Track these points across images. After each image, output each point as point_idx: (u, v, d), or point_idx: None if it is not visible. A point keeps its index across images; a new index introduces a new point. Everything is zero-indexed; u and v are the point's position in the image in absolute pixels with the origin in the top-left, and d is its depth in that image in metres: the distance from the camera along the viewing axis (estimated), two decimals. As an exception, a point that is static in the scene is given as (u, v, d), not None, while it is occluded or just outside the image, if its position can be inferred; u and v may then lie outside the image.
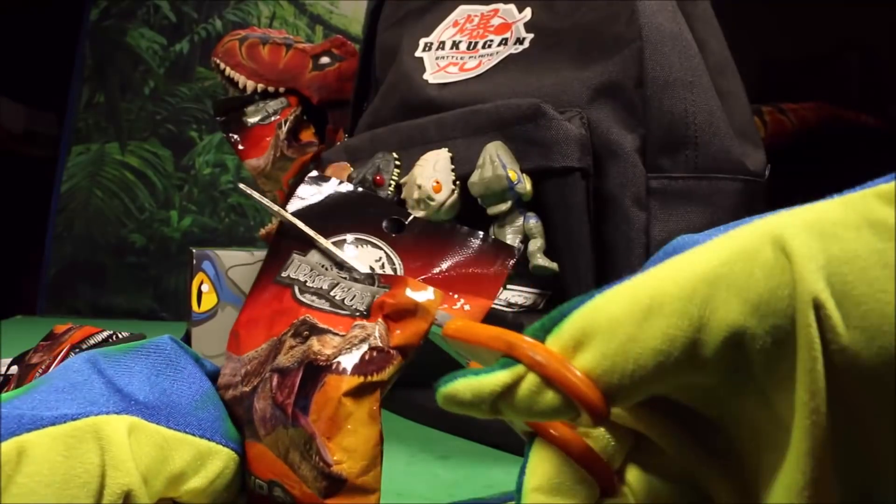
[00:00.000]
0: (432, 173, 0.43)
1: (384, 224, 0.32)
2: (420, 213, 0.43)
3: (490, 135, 0.42)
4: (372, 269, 0.31)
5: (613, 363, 0.17)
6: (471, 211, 0.42)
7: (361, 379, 0.26)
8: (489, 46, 0.48)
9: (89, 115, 1.19)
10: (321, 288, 0.29)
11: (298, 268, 0.30)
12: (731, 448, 0.19)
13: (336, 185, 0.34)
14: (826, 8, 0.69)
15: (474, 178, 0.41)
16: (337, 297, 0.29)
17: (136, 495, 0.24)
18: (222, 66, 0.67)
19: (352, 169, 0.49)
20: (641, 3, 0.42)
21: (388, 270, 0.31)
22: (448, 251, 0.31)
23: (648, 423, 0.20)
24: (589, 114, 0.41)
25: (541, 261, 0.39)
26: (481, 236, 0.31)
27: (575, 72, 0.43)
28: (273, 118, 0.66)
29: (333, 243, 0.31)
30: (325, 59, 0.68)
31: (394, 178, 0.46)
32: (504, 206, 0.40)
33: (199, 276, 0.54)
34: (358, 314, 0.28)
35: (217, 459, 0.27)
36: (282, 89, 0.67)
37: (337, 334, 0.27)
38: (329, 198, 0.33)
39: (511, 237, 0.40)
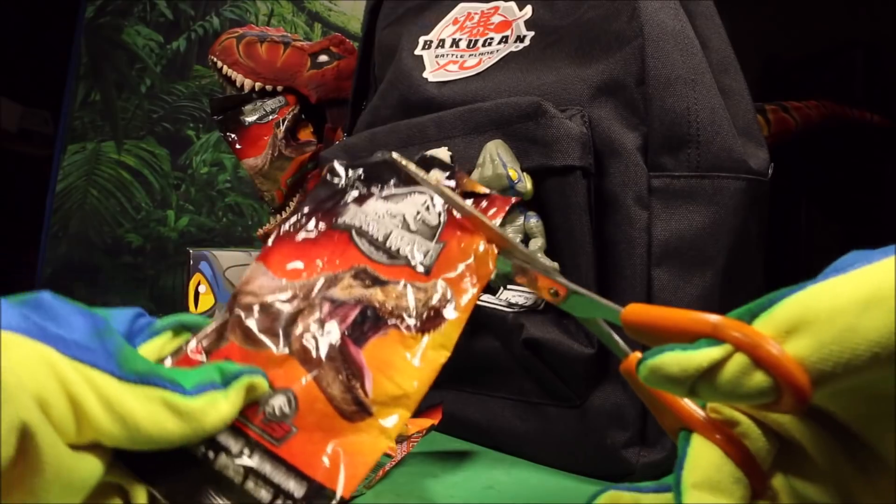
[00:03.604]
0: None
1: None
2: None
3: (490, 133, 0.42)
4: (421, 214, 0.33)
5: (830, 352, 0.18)
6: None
7: (422, 336, 0.28)
8: (489, 44, 0.48)
9: (85, 113, 1.19)
10: (377, 238, 0.32)
11: (355, 216, 0.33)
12: (884, 467, 0.19)
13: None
14: (830, 5, 0.69)
15: (474, 176, 0.40)
16: (392, 248, 0.31)
17: (36, 433, 0.20)
18: (220, 64, 0.67)
19: (350, 168, 0.49)
20: (643, 1, 0.41)
21: (434, 212, 0.33)
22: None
23: (805, 430, 0.20)
24: (590, 112, 0.41)
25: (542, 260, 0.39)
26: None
27: (576, 70, 0.43)
28: (271, 117, 0.66)
29: (390, 195, 0.33)
30: (323, 58, 0.68)
31: (393, 176, 0.46)
32: (505, 206, 0.40)
33: (197, 277, 0.54)
34: (414, 263, 0.30)
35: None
36: (280, 88, 0.67)
37: (397, 283, 0.30)
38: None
39: (511, 237, 0.40)
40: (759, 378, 0.18)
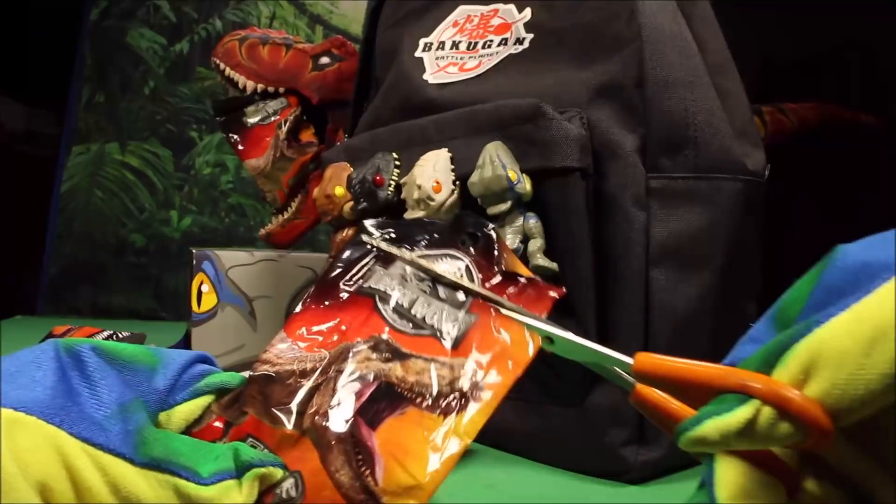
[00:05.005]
0: (432, 173, 0.43)
1: (461, 239, 0.32)
2: (420, 213, 0.43)
3: (490, 135, 0.42)
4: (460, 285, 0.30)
5: (844, 392, 0.19)
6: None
7: (443, 419, 0.25)
8: (489, 46, 0.48)
9: (89, 114, 1.19)
10: (402, 305, 0.29)
11: (380, 279, 0.30)
12: None
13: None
14: (826, 7, 0.69)
15: (474, 178, 0.41)
16: (418, 315, 0.29)
17: None
18: (222, 66, 0.68)
19: (352, 169, 0.49)
20: (641, 3, 0.42)
21: (468, 281, 0.30)
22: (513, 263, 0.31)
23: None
24: (589, 114, 0.41)
25: (541, 261, 0.39)
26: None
27: (575, 72, 0.43)
28: (273, 118, 0.66)
29: (421, 256, 0.31)
30: (324, 60, 0.68)
31: (394, 178, 0.46)
32: (504, 206, 0.40)
33: (199, 277, 0.54)
34: (440, 334, 0.28)
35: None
36: (282, 89, 0.67)
37: (419, 357, 0.27)
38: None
39: (511, 237, 0.40)
40: (785, 427, 0.20)
